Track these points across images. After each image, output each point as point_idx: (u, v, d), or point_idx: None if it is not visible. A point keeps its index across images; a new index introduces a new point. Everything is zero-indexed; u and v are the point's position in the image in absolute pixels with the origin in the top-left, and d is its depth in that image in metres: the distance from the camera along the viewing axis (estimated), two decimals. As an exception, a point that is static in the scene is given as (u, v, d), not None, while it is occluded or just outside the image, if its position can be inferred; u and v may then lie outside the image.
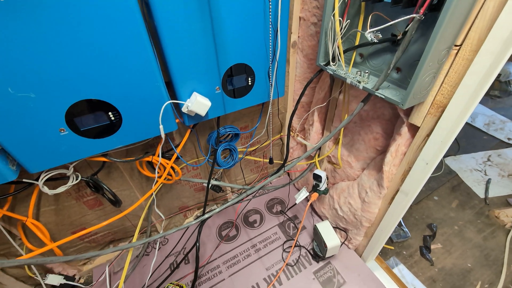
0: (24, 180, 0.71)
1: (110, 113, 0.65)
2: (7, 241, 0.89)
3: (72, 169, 0.75)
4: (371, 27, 0.59)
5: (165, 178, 0.93)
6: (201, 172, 1.24)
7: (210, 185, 0.99)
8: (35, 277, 0.94)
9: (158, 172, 0.91)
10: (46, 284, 0.94)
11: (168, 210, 1.29)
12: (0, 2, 0.44)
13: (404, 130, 0.76)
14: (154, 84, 0.67)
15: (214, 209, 1.03)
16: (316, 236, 1.14)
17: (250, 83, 0.86)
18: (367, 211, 0.99)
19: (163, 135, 0.75)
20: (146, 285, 1.04)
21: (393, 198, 0.90)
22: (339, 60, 0.80)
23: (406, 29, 0.61)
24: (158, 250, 1.21)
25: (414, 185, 0.80)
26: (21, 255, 0.91)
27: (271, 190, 1.44)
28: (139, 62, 0.62)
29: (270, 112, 1.04)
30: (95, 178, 0.81)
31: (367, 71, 0.74)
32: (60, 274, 1.03)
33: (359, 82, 0.72)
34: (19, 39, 0.49)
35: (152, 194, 0.93)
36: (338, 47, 0.77)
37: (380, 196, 0.92)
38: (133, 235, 1.26)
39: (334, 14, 0.73)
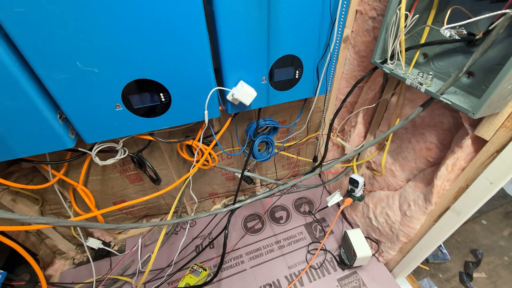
0: (79, 149, 0.78)
1: (161, 94, 0.68)
2: (59, 202, 0.99)
3: (121, 143, 0.80)
4: (448, 22, 0.53)
5: (202, 163, 0.95)
6: (234, 162, 1.26)
7: (243, 176, 0.99)
8: (78, 238, 1.03)
9: (196, 156, 0.94)
10: (87, 246, 1.02)
11: (199, 195, 1.33)
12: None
13: (467, 142, 0.67)
14: (205, 70, 0.68)
15: (245, 200, 1.03)
16: (345, 243, 1.09)
17: (297, 77, 0.83)
18: (406, 225, 0.92)
19: (206, 121, 0.76)
20: (173, 261, 1.09)
21: (440, 215, 0.81)
22: (398, 59, 0.74)
23: (490, 28, 0.54)
24: (186, 231, 1.25)
25: (470, 205, 0.71)
26: (69, 216, 1.01)
27: (302, 188, 1.41)
28: (194, 48, 0.63)
29: (312, 109, 1.00)
30: (140, 154, 0.86)
31: (430, 73, 0.67)
32: (98, 239, 1.12)
33: (421, 84, 0.65)
34: (93, 20, 0.52)
35: (189, 177, 0.96)
36: (399, 44, 0.70)
37: (425, 211, 0.84)
38: (165, 213, 1.33)
39: (400, 7, 0.67)
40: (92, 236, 1.15)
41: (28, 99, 0.56)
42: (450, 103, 0.59)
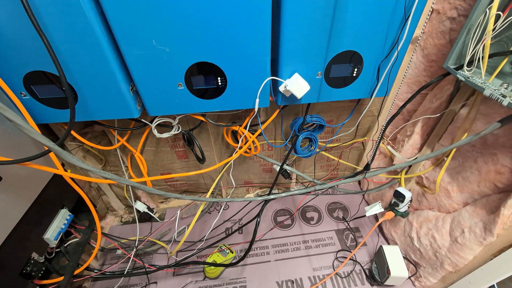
0: (142, 120, 0.87)
1: (219, 78, 0.72)
2: (117, 165, 1.13)
3: (177, 120, 0.87)
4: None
5: (245, 150, 0.98)
6: (273, 154, 1.27)
7: (282, 169, 1.00)
8: (129, 199, 1.16)
9: (240, 143, 0.97)
10: (135, 208, 1.15)
11: (236, 181, 1.38)
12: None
13: (554, 171, 0.57)
14: (263, 59, 0.69)
15: (279, 193, 1.04)
16: (379, 258, 1.03)
17: (355, 75, 0.79)
18: (456, 253, 0.82)
19: (256, 109, 0.78)
20: (205, 237, 1.16)
21: (502, 251, 0.71)
22: (477, 66, 0.65)
23: None
24: (220, 212, 1.32)
25: (544, 244, 0.61)
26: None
27: (340, 192, 1.36)
28: (256, 38, 0.65)
29: (364, 111, 0.95)
30: (191, 133, 0.92)
31: (518, 85, 0.58)
32: (144, 203, 1.25)
33: (504, 96, 0.57)
34: (172, 5, 0.57)
35: (230, 161, 1.00)
36: (482, 49, 0.62)
37: (482, 242, 0.74)
38: (203, 192, 1.41)
39: (491, 6, 0.59)
40: (140, 200, 1.28)
41: (110, 70, 0.65)
42: (539, 121, 0.51)
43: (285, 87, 0.75)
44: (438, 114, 0.85)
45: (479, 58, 0.63)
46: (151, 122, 0.86)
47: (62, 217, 0.85)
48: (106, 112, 0.76)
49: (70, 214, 0.88)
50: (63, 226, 0.84)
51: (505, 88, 0.60)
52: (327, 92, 0.83)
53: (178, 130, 0.89)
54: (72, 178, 0.78)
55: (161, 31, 0.61)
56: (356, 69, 0.78)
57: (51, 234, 0.80)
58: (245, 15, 0.61)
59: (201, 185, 1.34)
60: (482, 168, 0.76)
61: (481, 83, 0.63)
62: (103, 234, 1.11)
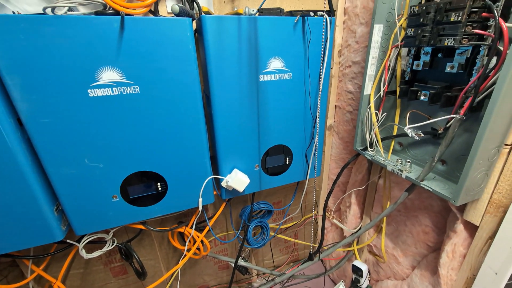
0: (67, 240, 0.75)
1: (159, 184, 0.71)
2: (29, 303, 0.87)
3: (112, 234, 0.78)
4: (409, 123, 0.62)
5: (194, 252, 0.90)
6: (228, 248, 1.18)
7: (237, 265, 0.92)
8: None
9: (187, 245, 0.89)
10: None
11: (189, 287, 1.19)
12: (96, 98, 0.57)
13: (460, 227, 0.68)
14: (202, 160, 0.74)
15: (239, 295, 0.92)
16: None
17: (287, 163, 0.89)
18: (423, 325, 0.80)
19: (200, 208, 0.77)
20: None
21: (457, 312, 0.73)
22: (377, 146, 0.82)
23: (447, 125, 0.62)
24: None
25: (484, 299, 0.65)
26: (36, 322, 0.87)
27: (302, 280, 1.28)
28: (194, 142, 0.71)
29: (305, 190, 1.02)
30: (128, 245, 0.82)
31: (408, 160, 0.74)
32: None
33: (401, 170, 0.71)
34: (106, 125, 0.60)
35: (177, 269, 0.89)
36: (375, 135, 0.80)
37: (439, 307, 0.76)
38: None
39: (370, 107, 0.79)
40: None
41: (32, 195, 0.59)
42: (431, 190, 0.63)
43: (226, 183, 0.78)
44: (364, 187, 0.98)
45: (375, 142, 0.80)
46: (79, 241, 0.75)
47: None
48: (20, 241, 0.63)
49: None
50: None
51: (400, 163, 0.74)
52: (267, 180, 0.89)
53: (112, 245, 0.79)
54: None
55: (95, 148, 0.61)
56: (287, 158, 0.88)
57: None
58: (181, 128, 0.67)
59: (145, 305, 1.10)
60: (412, 230, 0.85)
61: (383, 160, 0.77)
62: None
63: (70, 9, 0.55)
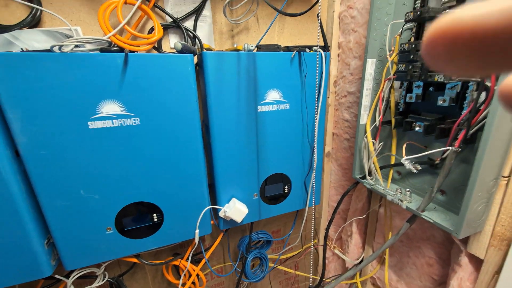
0: (56, 276, 0.71)
1: (154, 214, 0.69)
2: None
3: (103, 268, 0.74)
4: (406, 154, 0.62)
5: (189, 286, 0.85)
6: (225, 281, 1.13)
7: (235, 301, 0.87)
8: None
9: (182, 279, 0.85)
10: None
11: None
12: (94, 130, 0.58)
13: (464, 260, 0.65)
14: (200, 190, 0.73)
15: (236, 335, 0.86)
16: None
17: (286, 191, 0.88)
18: None
19: (197, 240, 0.75)
20: None
21: None
22: (375, 174, 0.82)
23: (444, 156, 0.63)
24: None
25: None
26: None
27: (303, 313, 1.20)
28: (192, 172, 0.70)
29: (305, 218, 1.00)
30: (120, 280, 0.78)
31: (408, 189, 0.73)
32: None
33: (401, 200, 0.70)
34: (104, 156, 0.60)
35: (171, 306, 0.83)
36: (374, 164, 0.80)
37: None
38: None
39: (366, 136, 0.80)
40: None
41: (22, 225, 0.57)
42: (432, 221, 0.62)
43: (224, 213, 0.76)
44: (364, 216, 0.96)
45: (374, 170, 0.80)
46: (68, 275, 0.71)
47: None
48: (7, 277, 0.60)
49: None
50: None
51: (400, 192, 0.74)
52: (266, 209, 0.87)
53: (103, 280, 0.75)
54: None
55: (91, 179, 0.61)
56: (286, 187, 0.88)
57: None
58: (181, 155, 0.67)
59: None
60: (416, 262, 0.82)
61: (383, 189, 0.76)
62: None
63: (76, 45, 0.58)
